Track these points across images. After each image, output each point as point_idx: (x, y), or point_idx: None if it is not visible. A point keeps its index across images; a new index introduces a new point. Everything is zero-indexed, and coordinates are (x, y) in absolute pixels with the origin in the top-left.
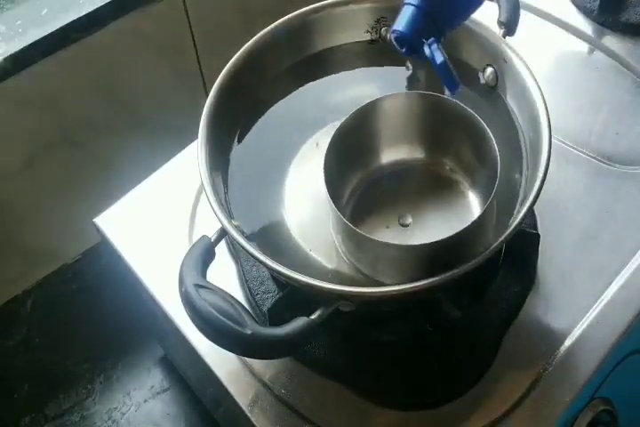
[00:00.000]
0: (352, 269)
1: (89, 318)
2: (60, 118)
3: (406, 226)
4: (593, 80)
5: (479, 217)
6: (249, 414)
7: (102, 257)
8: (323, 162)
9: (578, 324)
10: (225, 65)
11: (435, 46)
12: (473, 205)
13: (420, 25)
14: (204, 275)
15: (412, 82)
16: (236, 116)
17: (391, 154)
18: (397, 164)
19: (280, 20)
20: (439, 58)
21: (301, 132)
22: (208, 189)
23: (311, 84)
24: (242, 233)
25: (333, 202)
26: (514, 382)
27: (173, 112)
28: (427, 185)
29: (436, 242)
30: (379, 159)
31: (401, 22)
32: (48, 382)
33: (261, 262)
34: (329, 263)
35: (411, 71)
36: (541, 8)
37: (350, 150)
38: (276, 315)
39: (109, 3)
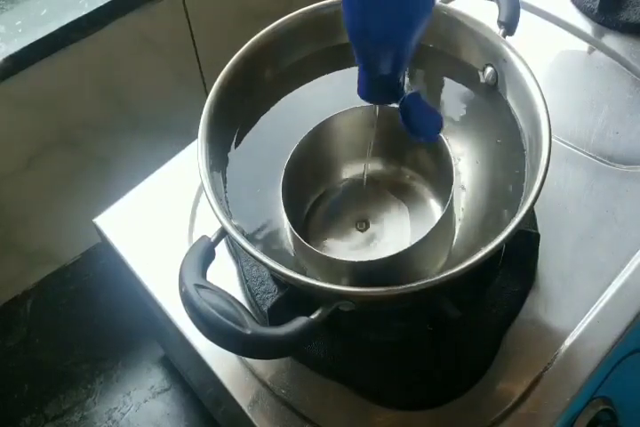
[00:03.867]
0: None
1: (89, 319)
2: (59, 118)
3: (370, 238)
4: (593, 80)
5: (433, 228)
6: (249, 414)
7: (101, 257)
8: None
9: (578, 324)
10: (225, 65)
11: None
12: (435, 213)
13: (377, 84)
14: (204, 275)
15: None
16: (236, 115)
17: (352, 166)
18: (358, 176)
19: (279, 21)
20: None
21: (301, 131)
22: (208, 188)
23: (311, 83)
24: (242, 233)
25: (292, 222)
26: (514, 382)
27: (173, 112)
28: (388, 194)
29: (390, 256)
30: (340, 173)
31: (359, 88)
32: (48, 382)
33: (261, 262)
34: None
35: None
36: (541, 8)
37: (311, 167)
38: (276, 315)
39: (109, 3)
